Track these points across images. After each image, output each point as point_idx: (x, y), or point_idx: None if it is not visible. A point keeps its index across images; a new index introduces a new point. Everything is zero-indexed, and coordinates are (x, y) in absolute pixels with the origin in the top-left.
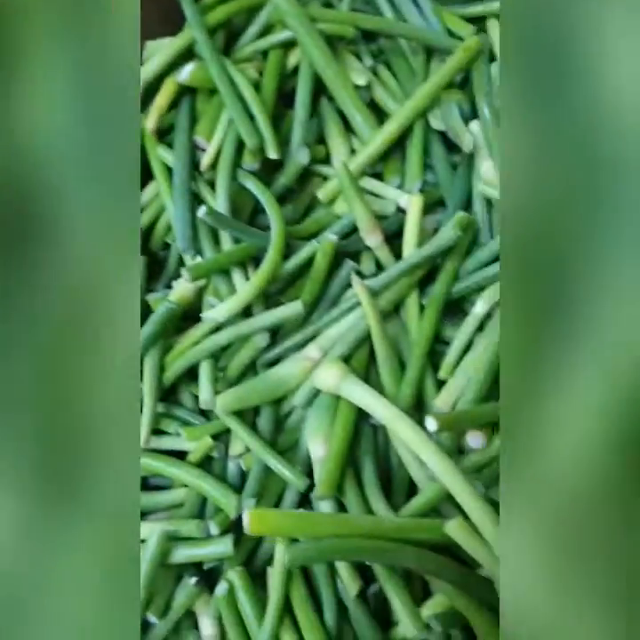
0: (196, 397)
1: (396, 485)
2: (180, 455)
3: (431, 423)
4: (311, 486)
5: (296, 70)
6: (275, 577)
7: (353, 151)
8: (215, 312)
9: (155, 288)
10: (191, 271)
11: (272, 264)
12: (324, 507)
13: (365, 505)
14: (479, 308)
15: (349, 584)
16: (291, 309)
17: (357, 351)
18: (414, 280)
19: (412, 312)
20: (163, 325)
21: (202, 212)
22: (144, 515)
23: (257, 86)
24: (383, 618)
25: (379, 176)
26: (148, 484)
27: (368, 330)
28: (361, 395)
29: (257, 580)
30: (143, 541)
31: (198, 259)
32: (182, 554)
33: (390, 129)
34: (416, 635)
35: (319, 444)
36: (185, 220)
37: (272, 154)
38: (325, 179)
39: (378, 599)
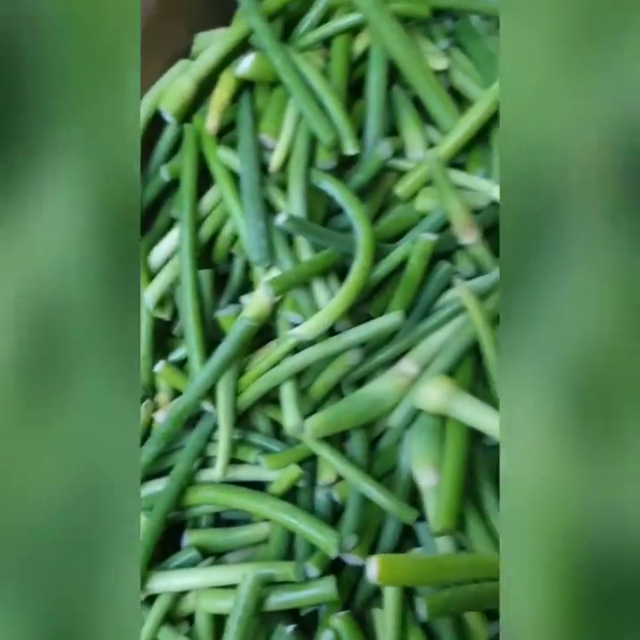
0: (272, 421)
1: None
2: (257, 486)
3: None
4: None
5: (361, 58)
6: (389, 623)
7: (430, 144)
8: (303, 329)
9: (217, 304)
10: (274, 285)
11: (363, 271)
12: (443, 543)
13: (491, 538)
14: None
15: (479, 629)
16: (388, 321)
17: (462, 364)
18: None
19: None
20: (240, 345)
21: (281, 219)
22: (223, 553)
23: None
24: None
25: (460, 168)
26: (221, 520)
27: (473, 338)
28: (473, 412)
29: (361, 622)
30: (232, 587)
31: (274, 271)
32: (278, 600)
33: (474, 117)
34: None
35: (429, 471)
36: (258, 229)
37: (350, 149)
38: (401, 174)
39: None
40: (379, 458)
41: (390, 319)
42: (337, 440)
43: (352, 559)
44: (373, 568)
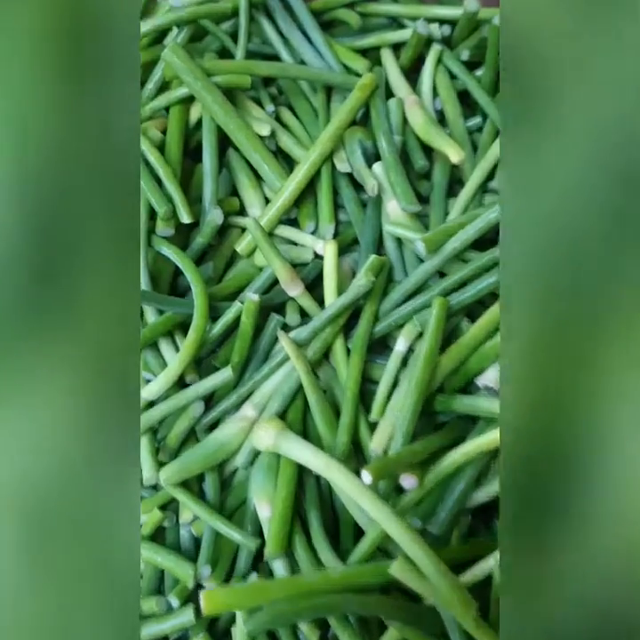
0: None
1: (344, 529)
2: None
3: (366, 477)
4: (263, 543)
5: (199, 124)
6: None
7: (267, 200)
8: (147, 391)
9: None
10: None
11: (198, 332)
12: (277, 564)
13: (314, 557)
14: (400, 345)
15: (309, 634)
16: (221, 376)
17: (293, 404)
18: (338, 327)
19: (339, 357)
20: None
21: None
22: None
23: (162, 145)
24: None
25: (294, 220)
26: None
27: (299, 382)
28: (297, 450)
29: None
30: None
31: None
32: (147, 631)
33: (298, 177)
34: None
35: (265, 505)
36: None
37: (185, 219)
38: (244, 230)
39: None
40: (230, 494)
41: (222, 375)
42: (196, 482)
43: (210, 586)
44: (202, 602)
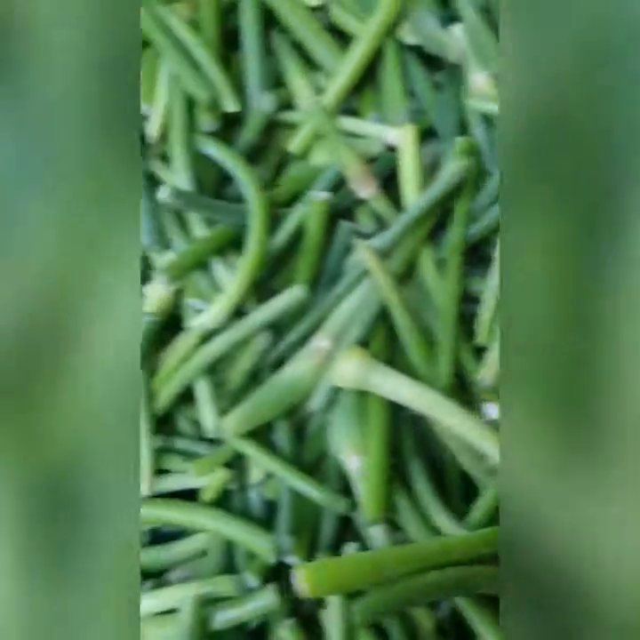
0: (195, 422)
1: (451, 485)
2: (190, 494)
3: (494, 411)
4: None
5: (232, 5)
6: (333, 628)
7: (319, 90)
8: (206, 318)
9: None
10: (169, 271)
11: (259, 244)
12: (377, 532)
13: (424, 521)
14: None
15: (423, 619)
16: (291, 296)
17: (375, 331)
18: (425, 231)
19: (428, 270)
20: (145, 345)
21: (165, 193)
22: (163, 573)
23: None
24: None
25: (352, 113)
26: (158, 535)
27: (382, 303)
28: (392, 384)
29: (311, 626)
30: (173, 611)
31: (168, 255)
32: (223, 617)
33: (358, 54)
34: None
35: (353, 455)
36: (145, 209)
37: (231, 106)
38: (292, 127)
39: (456, 622)
40: (306, 446)
41: (293, 294)
42: (265, 433)
43: (293, 561)
44: (301, 582)
